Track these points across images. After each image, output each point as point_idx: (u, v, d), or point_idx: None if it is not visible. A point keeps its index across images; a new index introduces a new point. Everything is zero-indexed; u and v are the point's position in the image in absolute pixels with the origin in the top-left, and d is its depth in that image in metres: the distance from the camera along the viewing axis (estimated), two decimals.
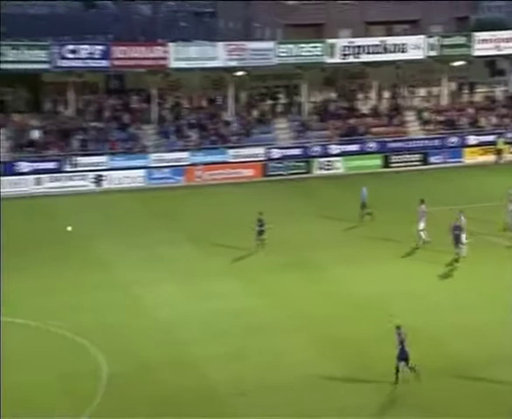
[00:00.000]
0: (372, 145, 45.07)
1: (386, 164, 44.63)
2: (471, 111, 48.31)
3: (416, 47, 45.96)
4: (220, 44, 44.01)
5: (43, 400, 19.36)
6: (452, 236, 28.31)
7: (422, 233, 29.84)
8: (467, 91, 49.75)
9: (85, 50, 41.09)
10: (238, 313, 24.21)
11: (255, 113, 45.55)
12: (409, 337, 19.92)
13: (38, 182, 39.28)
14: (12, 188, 38.67)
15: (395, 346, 19.77)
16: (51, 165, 39.93)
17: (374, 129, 46.07)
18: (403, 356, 19.74)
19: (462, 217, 28.85)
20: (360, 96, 47.77)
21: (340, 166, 43.99)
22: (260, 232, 29.45)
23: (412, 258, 29.16)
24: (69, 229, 30.72)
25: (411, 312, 24.00)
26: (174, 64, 42.31)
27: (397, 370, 19.76)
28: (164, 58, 42.20)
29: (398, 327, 19.93)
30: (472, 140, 46.36)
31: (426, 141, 46.06)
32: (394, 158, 44.87)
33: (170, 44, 43.46)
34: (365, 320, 23.53)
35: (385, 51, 45.47)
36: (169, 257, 29.32)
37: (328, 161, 43.87)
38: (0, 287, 25.09)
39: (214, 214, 35.28)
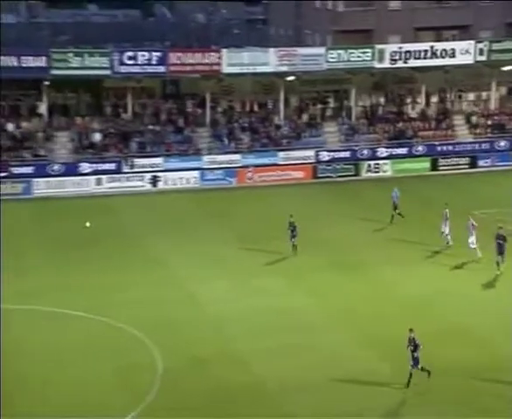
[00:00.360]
0: (420, 148, 44.41)
1: (434, 167, 43.90)
2: None
3: (465, 52, 45.02)
4: (271, 50, 44.04)
5: (100, 390, 19.73)
6: (494, 244, 27.56)
7: (447, 236, 29.51)
8: None
9: (143, 56, 41.67)
10: (286, 311, 24.24)
11: (305, 116, 45.42)
12: (459, 337, 19.51)
13: (99, 183, 40.05)
14: (75, 187, 39.54)
15: (410, 351, 19.47)
16: (110, 166, 40.67)
17: (422, 133, 45.40)
18: (415, 361, 19.38)
19: (472, 220, 28.48)
20: (408, 100, 47.10)
21: (388, 169, 43.49)
22: (293, 235, 29.12)
23: (454, 261, 28.57)
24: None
25: (458, 313, 23.61)
26: (227, 69, 42.55)
27: (424, 369, 19.46)
28: (218, 64, 42.48)
29: (412, 332, 19.47)
30: None
31: (475, 145, 45.14)
32: (442, 161, 44.11)
33: (224, 50, 43.69)
34: (411, 320, 23.03)
35: (434, 56, 44.72)
36: (221, 256, 29.49)
37: (377, 164, 43.41)
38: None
39: (264, 214, 35.30)
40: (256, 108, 45.37)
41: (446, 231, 29.68)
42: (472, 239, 28.34)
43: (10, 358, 21.05)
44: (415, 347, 19.45)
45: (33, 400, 19.24)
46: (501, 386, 19.66)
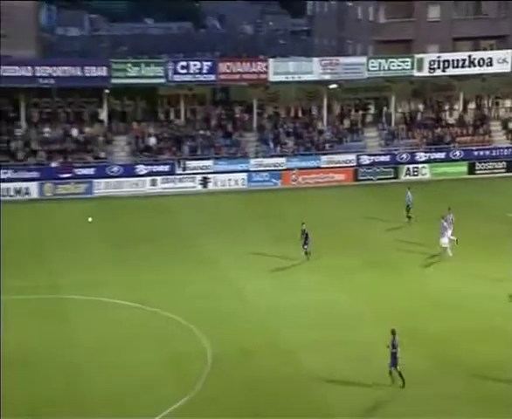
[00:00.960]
0: (458, 153, 43.54)
1: (471, 171, 43.03)
2: None
3: (502, 61, 44.01)
4: (315, 59, 43.88)
5: (152, 376, 19.94)
6: None
7: (452, 240, 28.54)
8: None
9: (195, 66, 41.99)
10: (326, 306, 24.21)
11: (347, 122, 45.05)
12: (485, 336, 19.00)
13: (153, 183, 40.54)
14: (132, 188, 40.11)
15: (391, 350, 18.93)
16: (164, 168, 41.11)
17: (460, 138, 44.53)
18: (394, 362, 18.71)
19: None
20: (446, 107, 46.25)
21: (426, 172, 42.80)
22: (305, 242, 28.52)
23: (479, 262, 27.89)
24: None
25: (487, 313, 23.08)
26: (273, 78, 42.55)
27: (391, 374, 18.89)
28: (265, 73, 42.50)
29: (394, 333, 18.83)
30: None
31: (511, 150, 44.00)
32: (479, 165, 43.19)
33: (270, 59, 43.73)
34: (443, 317, 22.94)
35: (472, 64, 43.81)
36: (267, 254, 29.44)
37: (415, 168, 42.75)
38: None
39: (307, 215, 34.98)
40: (300, 114, 45.21)
41: (449, 234, 28.51)
42: (445, 238, 27.82)
43: (69, 345, 21.48)
44: (395, 347, 18.67)
45: (88, 386, 19.52)
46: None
